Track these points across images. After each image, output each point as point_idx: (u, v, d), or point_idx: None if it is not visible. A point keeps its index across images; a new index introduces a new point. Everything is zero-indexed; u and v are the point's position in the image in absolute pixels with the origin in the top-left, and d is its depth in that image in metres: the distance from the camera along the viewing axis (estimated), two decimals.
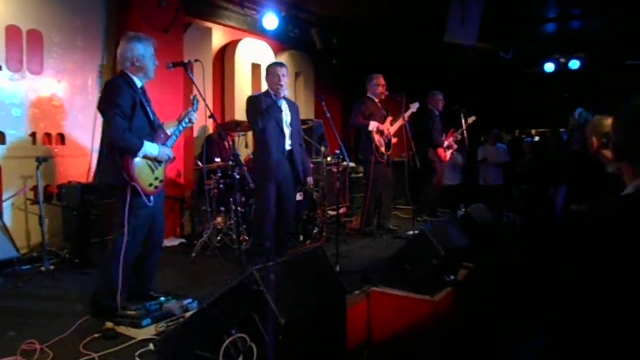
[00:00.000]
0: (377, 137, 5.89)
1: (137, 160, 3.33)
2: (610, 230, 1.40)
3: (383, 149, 5.94)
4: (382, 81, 6.05)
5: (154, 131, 3.49)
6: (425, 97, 7.28)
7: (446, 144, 7.23)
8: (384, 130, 5.99)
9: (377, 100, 6.08)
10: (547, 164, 6.92)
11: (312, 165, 5.89)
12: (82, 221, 4.65)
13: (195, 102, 3.82)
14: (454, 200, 7.39)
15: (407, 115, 6.07)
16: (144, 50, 3.48)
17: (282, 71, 4.70)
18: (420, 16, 7.17)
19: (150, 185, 3.41)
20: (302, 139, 4.97)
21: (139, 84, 3.50)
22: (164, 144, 3.53)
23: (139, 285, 3.63)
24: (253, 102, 4.72)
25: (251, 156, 5.53)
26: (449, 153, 7.30)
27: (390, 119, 6.14)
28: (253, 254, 4.63)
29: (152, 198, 3.41)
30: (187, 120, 3.71)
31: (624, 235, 1.36)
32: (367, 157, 5.95)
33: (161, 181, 3.52)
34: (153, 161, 3.43)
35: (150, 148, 3.39)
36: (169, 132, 3.61)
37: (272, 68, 4.79)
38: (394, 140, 6.12)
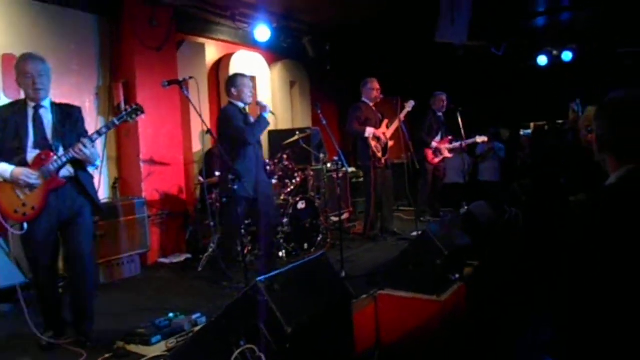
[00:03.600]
0: (373, 143, 5.92)
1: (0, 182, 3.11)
2: (601, 219, 1.45)
3: (380, 154, 5.97)
4: (376, 85, 6.08)
5: (21, 152, 3.15)
6: (420, 98, 7.32)
7: (434, 145, 7.15)
8: (380, 135, 6.01)
9: (371, 104, 6.11)
10: (544, 156, 6.94)
11: (300, 173, 5.91)
12: None
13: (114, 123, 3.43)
14: (455, 199, 7.40)
15: (402, 115, 6.10)
16: (18, 69, 3.27)
17: (250, 82, 4.69)
18: (410, 18, 7.21)
19: (16, 211, 3.09)
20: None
21: (30, 104, 3.27)
22: (42, 166, 3.13)
23: (75, 323, 3.38)
24: (234, 113, 4.57)
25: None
26: (439, 156, 7.20)
27: (386, 121, 6.17)
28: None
29: (24, 225, 3.10)
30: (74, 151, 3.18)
31: (612, 224, 1.40)
32: (365, 162, 5.98)
33: (33, 208, 3.11)
34: (17, 185, 3.09)
35: (1, 169, 3.09)
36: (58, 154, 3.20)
37: (241, 79, 4.65)
38: (391, 144, 6.15)
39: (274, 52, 7.84)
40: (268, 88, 7.78)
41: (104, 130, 3.35)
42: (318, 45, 7.76)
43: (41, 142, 3.22)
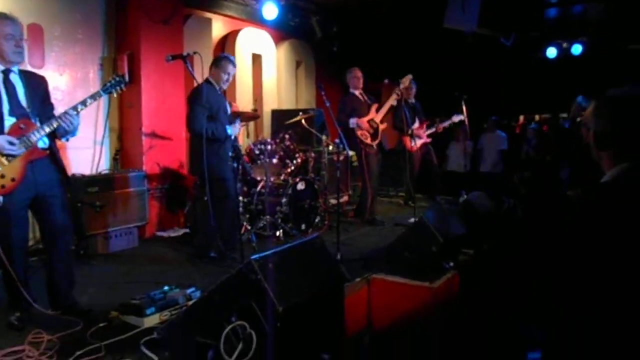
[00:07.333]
0: (359, 132, 6.00)
1: None
2: (593, 217, 1.45)
3: (369, 140, 6.02)
4: (358, 73, 6.14)
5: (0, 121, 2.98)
6: (426, 82, 7.27)
7: (411, 130, 6.87)
8: (362, 124, 6.02)
9: (357, 93, 6.13)
10: (548, 150, 6.92)
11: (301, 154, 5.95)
12: (86, 212, 4.72)
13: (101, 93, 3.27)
14: (455, 187, 7.39)
15: (393, 97, 6.11)
16: None
17: (232, 70, 4.62)
18: (419, 2, 7.13)
19: None
20: None
21: None
22: (22, 136, 2.98)
23: (55, 297, 3.33)
24: (202, 91, 4.48)
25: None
26: (418, 142, 7.00)
27: (375, 106, 6.18)
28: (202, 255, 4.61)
29: (0, 198, 2.95)
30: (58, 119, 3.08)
31: (605, 222, 1.40)
32: (356, 150, 6.07)
33: (13, 179, 2.96)
34: None
35: None
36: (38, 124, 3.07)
37: (224, 62, 4.60)
38: (382, 127, 6.14)
39: (281, 31, 7.78)
40: (273, 67, 7.74)
41: (88, 100, 3.17)
42: (326, 25, 7.69)
43: (17, 110, 3.04)
